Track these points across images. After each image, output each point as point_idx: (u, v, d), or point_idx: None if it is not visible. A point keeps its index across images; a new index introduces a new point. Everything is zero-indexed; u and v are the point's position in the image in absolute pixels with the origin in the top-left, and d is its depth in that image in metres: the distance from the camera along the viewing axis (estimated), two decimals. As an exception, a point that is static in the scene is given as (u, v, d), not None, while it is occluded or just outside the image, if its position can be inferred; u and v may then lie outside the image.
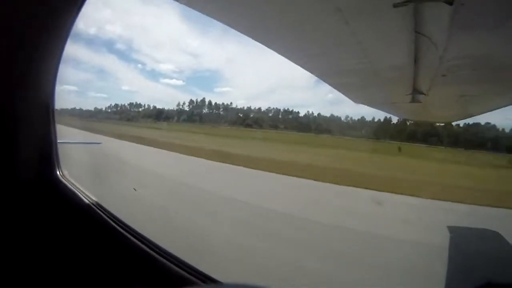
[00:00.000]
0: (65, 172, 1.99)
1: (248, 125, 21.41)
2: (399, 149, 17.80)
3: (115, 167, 11.24)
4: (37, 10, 1.46)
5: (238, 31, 3.45)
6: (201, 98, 22.57)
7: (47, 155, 1.89)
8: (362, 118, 20.62)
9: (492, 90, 3.91)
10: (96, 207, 1.86)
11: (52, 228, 1.77)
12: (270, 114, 22.43)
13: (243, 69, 29.76)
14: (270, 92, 29.59)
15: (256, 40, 3.63)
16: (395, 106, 5.75)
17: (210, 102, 22.69)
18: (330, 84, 5.19)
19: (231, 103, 22.79)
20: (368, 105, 6.46)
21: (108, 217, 1.80)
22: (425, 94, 4.46)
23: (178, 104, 22.65)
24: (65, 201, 1.89)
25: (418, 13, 2.37)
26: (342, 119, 21.19)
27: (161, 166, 13.30)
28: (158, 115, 22.68)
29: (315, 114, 21.98)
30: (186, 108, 22.64)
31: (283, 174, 12.92)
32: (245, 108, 22.53)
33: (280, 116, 22.35)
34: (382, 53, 3.35)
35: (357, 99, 6.01)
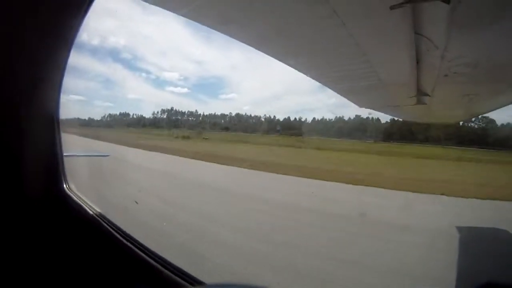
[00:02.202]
0: (72, 186, 1.97)
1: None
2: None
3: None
4: (41, 20, 1.47)
5: (240, 41, 3.51)
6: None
7: (53, 168, 1.87)
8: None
9: (495, 88, 3.87)
10: (104, 221, 1.84)
11: (59, 243, 1.75)
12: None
13: (248, 75, 30.02)
14: (275, 98, 29.69)
15: (258, 49, 3.68)
16: (399, 108, 5.72)
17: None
18: (334, 90, 5.21)
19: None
20: (372, 109, 6.44)
21: (115, 230, 1.79)
22: (429, 95, 4.45)
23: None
24: (72, 216, 1.87)
25: (416, 14, 2.39)
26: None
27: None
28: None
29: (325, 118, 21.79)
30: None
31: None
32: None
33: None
34: (383, 56, 3.37)
35: (361, 104, 6.01)
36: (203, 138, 21.15)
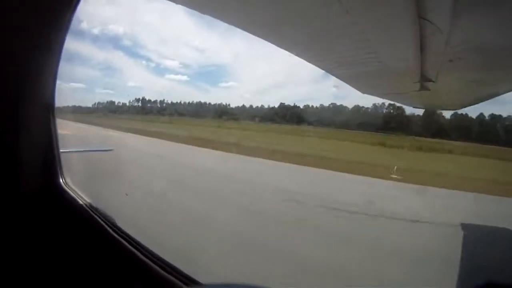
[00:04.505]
0: (68, 180, 1.94)
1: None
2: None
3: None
4: (33, 6, 1.42)
5: (240, 28, 3.49)
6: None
7: (49, 162, 1.84)
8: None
9: (501, 74, 3.83)
10: (99, 216, 1.81)
11: (55, 238, 1.74)
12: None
13: (248, 63, 29.61)
14: (276, 87, 29.36)
15: (259, 36, 3.65)
16: (403, 95, 5.68)
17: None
18: (336, 77, 5.17)
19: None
20: (375, 96, 6.40)
21: (110, 226, 1.76)
22: (433, 81, 4.40)
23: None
24: (69, 210, 1.85)
25: (420, -2, 2.35)
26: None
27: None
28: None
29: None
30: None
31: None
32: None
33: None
34: (387, 42, 3.33)
35: (364, 90, 5.97)
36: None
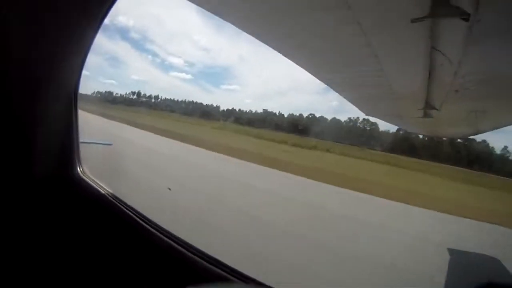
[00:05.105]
0: (86, 169, 1.93)
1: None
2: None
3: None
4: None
5: (254, 37, 3.50)
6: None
7: (67, 151, 1.83)
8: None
9: (505, 106, 3.91)
10: (118, 202, 1.79)
11: (73, 226, 1.73)
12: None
13: (253, 68, 29.78)
14: (279, 94, 29.39)
15: (272, 47, 3.69)
16: (406, 120, 5.76)
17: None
18: (342, 95, 5.24)
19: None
20: (379, 118, 6.48)
21: (131, 212, 1.74)
22: (437, 110, 4.48)
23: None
24: (86, 199, 1.83)
25: (435, 29, 2.42)
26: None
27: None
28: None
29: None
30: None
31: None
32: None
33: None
34: (397, 68, 3.40)
35: (368, 112, 6.05)
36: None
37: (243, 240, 5.95)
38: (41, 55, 1.53)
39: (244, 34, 3.52)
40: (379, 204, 9.33)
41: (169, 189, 7.77)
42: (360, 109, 5.98)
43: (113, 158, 8.40)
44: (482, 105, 4.01)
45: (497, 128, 5.26)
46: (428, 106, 4.47)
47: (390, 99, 4.47)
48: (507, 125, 4.94)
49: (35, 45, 1.49)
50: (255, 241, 5.97)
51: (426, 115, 4.78)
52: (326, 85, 4.82)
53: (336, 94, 5.10)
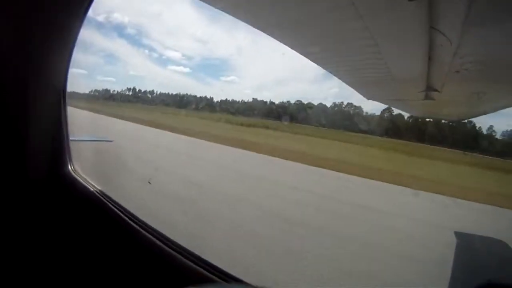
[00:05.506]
0: (77, 167, 1.92)
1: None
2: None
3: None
4: None
5: (249, 24, 3.46)
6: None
7: (58, 150, 1.82)
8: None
9: (506, 88, 3.85)
10: (109, 202, 1.78)
11: (64, 225, 1.72)
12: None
13: (251, 58, 29.45)
14: (277, 83, 29.06)
15: (267, 34, 3.65)
16: (407, 103, 5.71)
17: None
18: (342, 80, 5.19)
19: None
20: (380, 102, 6.43)
21: (121, 212, 1.73)
22: (438, 91, 4.43)
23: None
24: (77, 197, 1.82)
25: (433, 8, 2.37)
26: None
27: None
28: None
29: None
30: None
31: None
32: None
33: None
34: (396, 50, 3.35)
35: (369, 96, 5.99)
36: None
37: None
38: (26, 53, 1.51)
39: (241, 23, 3.49)
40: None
41: (149, 182, 7.95)
42: (361, 93, 5.94)
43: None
44: (484, 86, 3.96)
45: (500, 109, 5.20)
46: (429, 88, 4.42)
47: (390, 82, 4.42)
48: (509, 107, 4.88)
49: (19, 44, 1.47)
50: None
51: (427, 97, 4.73)
52: (321, 73, 4.78)
53: (333, 81, 5.06)
